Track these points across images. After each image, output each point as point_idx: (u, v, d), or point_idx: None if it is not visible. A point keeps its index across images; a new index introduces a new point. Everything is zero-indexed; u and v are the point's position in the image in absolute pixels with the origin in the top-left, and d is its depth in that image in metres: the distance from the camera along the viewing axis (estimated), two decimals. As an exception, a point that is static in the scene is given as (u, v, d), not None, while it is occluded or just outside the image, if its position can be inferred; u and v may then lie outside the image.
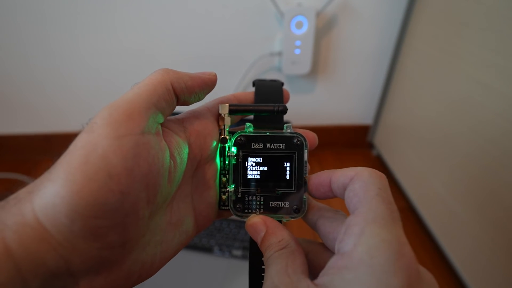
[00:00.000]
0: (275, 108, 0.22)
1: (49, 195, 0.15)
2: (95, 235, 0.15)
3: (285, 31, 0.73)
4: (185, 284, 0.55)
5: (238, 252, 0.60)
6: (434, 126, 0.64)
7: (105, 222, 0.15)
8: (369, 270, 0.15)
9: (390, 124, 0.83)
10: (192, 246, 0.62)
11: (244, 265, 0.58)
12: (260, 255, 0.21)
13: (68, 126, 0.89)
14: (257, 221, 0.21)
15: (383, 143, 0.87)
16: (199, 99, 0.22)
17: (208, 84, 0.21)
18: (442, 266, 0.60)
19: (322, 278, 0.16)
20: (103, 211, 0.15)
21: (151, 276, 0.19)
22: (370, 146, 0.95)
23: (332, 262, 0.16)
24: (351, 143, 0.95)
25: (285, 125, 0.22)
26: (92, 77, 0.82)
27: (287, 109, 0.22)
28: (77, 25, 0.74)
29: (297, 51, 0.76)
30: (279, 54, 0.78)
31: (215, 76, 0.21)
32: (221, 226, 0.65)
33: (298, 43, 0.75)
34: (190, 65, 0.81)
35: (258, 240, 0.20)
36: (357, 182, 0.18)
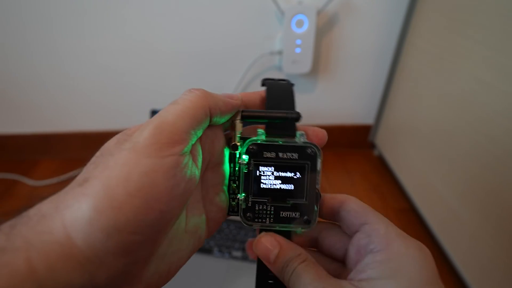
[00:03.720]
0: (289, 115, 0.21)
1: (85, 209, 0.15)
2: (127, 250, 0.15)
3: (285, 29, 0.73)
4: (185, 285, 0.55)
5: (238, 253, 0.60)
6: (436, 126, 0.63)
7: (140, 238, 0.16)
8: (410, 259, 0.17)
9: (392, 124, 0.82)
10: (192, 247, 0.61)
11: (244, 266, 0.57)
12: (267, 271, 0.21)
13: (67, 126, 0.88)
14: (269, 239, 0.21)
15: (384, 143, 0.87)
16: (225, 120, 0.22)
17: (236, 109, 0.22)
18: (443, 266, 0.60)
19: (363, 274, 0.18)
20: (140, 227, 0.15)
21: (165, 283, 0.19)
22: (372, 146, 0.94)
23: (370, 259, 0.18)
24: (352, 143, 0.94)
25: (297, 133, 0.22)
26: (92, 75, 0.81)
27: (300, 117, 0.21)
28: (76, 23, 0.74)
29: (298, 50, 0.75)
30: (280, 53, 0.77)
31: (240, 100, 0.22)
32: (221, 227, 0.65)
33: (298, 42, 0.74)
34: (190, 64, 0.81)
35: (272, 257, 0.20)
36: (352, 202, 0.21)
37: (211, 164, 0.22)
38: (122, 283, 0.16)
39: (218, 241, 0.62)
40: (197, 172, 0.19)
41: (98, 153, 0.17)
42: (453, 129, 0.58)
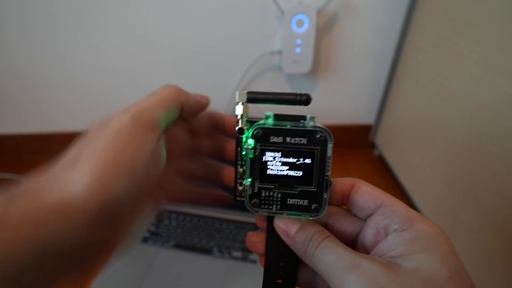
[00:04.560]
0: (297, 98, 0.20)
1: (79, 190, 0.17)
2: (113, 223, 0.18)
3: (285, 29, 0.73)
4: (184, 286, 0.54)
5: (238, 254, 0.59)
6: (436, 126, 0.63)
7: (126, 212, 0.19)
8: (436, 235, 0.18)
9: (392, 124, 0.82)
10: (191, 247, 0.61)
11: (244, 266, 0.57)
12: (277, 254, 0.22)
13: (65, 126, 0.88)
14: (289, 217, 0.21)
15: (385, 143, 0.86)
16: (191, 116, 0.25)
17: (204, 108, 0.25)
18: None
19: (392, 252, 0.18)
20: (124, 203, 0.18)
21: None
22: (372, 146, 0.94)
23: (396, 238, 0.19)
24: (352, 143, 0.94)
25: (308, 116, 0.21)
26: (92, 75, 0.81)
27: (310, 99, 0.20)
28: (76, 23, 0.74)
29: (298, 50, 0.75)
30: (280, 52, 0.77)
31: (209, 101, 0.25)
32: (221, 227, 0.64)
33: (298, 41, 0.74)
34: (191, 64, 0.80)
35: (293, 231, 0.21)
36: (363, 185, 0.22)
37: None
38: (106, 250, 0.19)
39: (218, 241, 0.62)
40: (164, 157, 0.22)
41: (83, 138, 0.20)
42: (453, 129, 0.57)
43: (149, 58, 0.79)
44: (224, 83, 0.83)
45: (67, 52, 0.77)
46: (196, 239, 0.62)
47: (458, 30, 0.56)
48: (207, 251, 0.60)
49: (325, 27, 0.76)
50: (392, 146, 0.83)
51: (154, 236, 0.63)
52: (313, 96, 0.78)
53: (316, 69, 0.82)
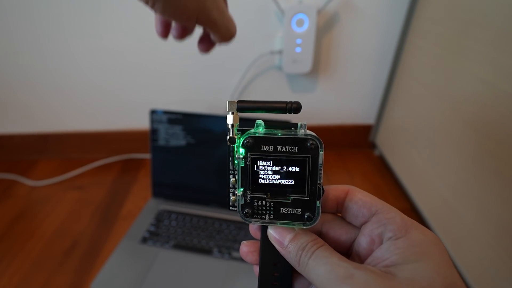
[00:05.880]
0: (288, 106, 0.20)
1: None
2: None
3: (285, 29, 0.72)
4: (184, 286, 0.54)
5: (238, 254, 0.59)
6: (437, 126, 0.62)
7: None
8: (430, 244, 0.18)
9: (393, 124, 0.82)
10: (191, 247, 0.61)
11: (244, 267, 0.57)
12: (271, 264, 0.21)
13: (64, 126, 0.88)
14: (283, 227, 0.21)
15: (385, 143, 0.86)
16: None
17: None
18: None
19: (387, 261, 0.18)
20: None
21: None
22: (372, 146, 0.94)
23: (390, 246, 0.19)
24: (352, 143, 0.94)
25: (298, 124, 0.21)
26: (90, 75, 0.81)
27: (301, 107, 0.20)
28: (73, 23, 0.74)
29: (298, 49, 0.75)
30: (280, 52, 0.77)
31: None
32: (221, 228, 0.64)
33: (299, 41, 0.74)
34: (190, 63, 0.80)
35: (286, 240, 0.20)
36: (358, 192, 0.21)
37: None
38: None
39: (218, 241, 0.62)
40: None
41: None
42: (454, 129, 0.57)
43: (148, 58, 0.79)
44: (224, 83, 0.82)
45: (65, 53, 0.77)
46: (196, 239, 0.62)
47: (459, 30, 0.56)
48: (207, 251, 0.60)
49: (325, 27, 0.76)
50: (392, 146, 0.83)
51: (154, 236, 0.63)
52: (313, 96, 0.77)
53: (316, 69, 0.82)
